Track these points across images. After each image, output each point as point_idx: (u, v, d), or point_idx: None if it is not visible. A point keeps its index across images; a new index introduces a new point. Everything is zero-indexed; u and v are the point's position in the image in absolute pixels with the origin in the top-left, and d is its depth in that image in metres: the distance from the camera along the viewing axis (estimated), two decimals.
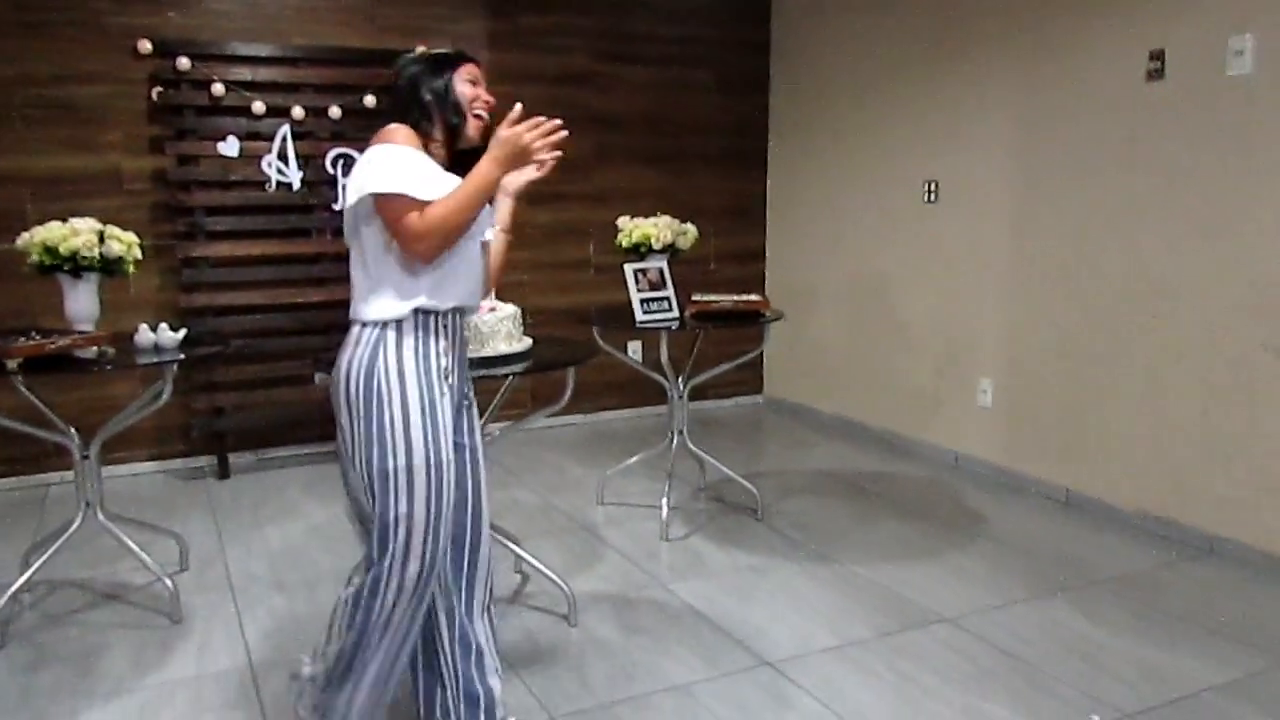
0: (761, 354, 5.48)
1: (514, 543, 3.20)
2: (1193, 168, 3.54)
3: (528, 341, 2.93)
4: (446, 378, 2.05)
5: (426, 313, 2.01)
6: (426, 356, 2.01)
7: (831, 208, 5.47)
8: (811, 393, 5.70)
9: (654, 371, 3.97)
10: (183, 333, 3.17)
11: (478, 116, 2.10)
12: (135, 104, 4.51)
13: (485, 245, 2.17)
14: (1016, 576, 3.34)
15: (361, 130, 4.82)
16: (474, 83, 2.10)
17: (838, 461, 4.87)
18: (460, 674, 2.20)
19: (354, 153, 4.79)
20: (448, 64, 2.10)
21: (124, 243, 3.03)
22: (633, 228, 3.96)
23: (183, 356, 3.04)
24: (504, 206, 2.23)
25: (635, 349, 5.47)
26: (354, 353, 1.99)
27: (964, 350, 4.64)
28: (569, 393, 3.02)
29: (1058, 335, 4.15)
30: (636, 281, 3.75)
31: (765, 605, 3.14)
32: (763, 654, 2.80)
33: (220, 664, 2.77)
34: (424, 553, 2.00)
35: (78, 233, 2.95)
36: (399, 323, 1.98)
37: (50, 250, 2.93)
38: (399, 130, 2.01)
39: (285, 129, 4.65)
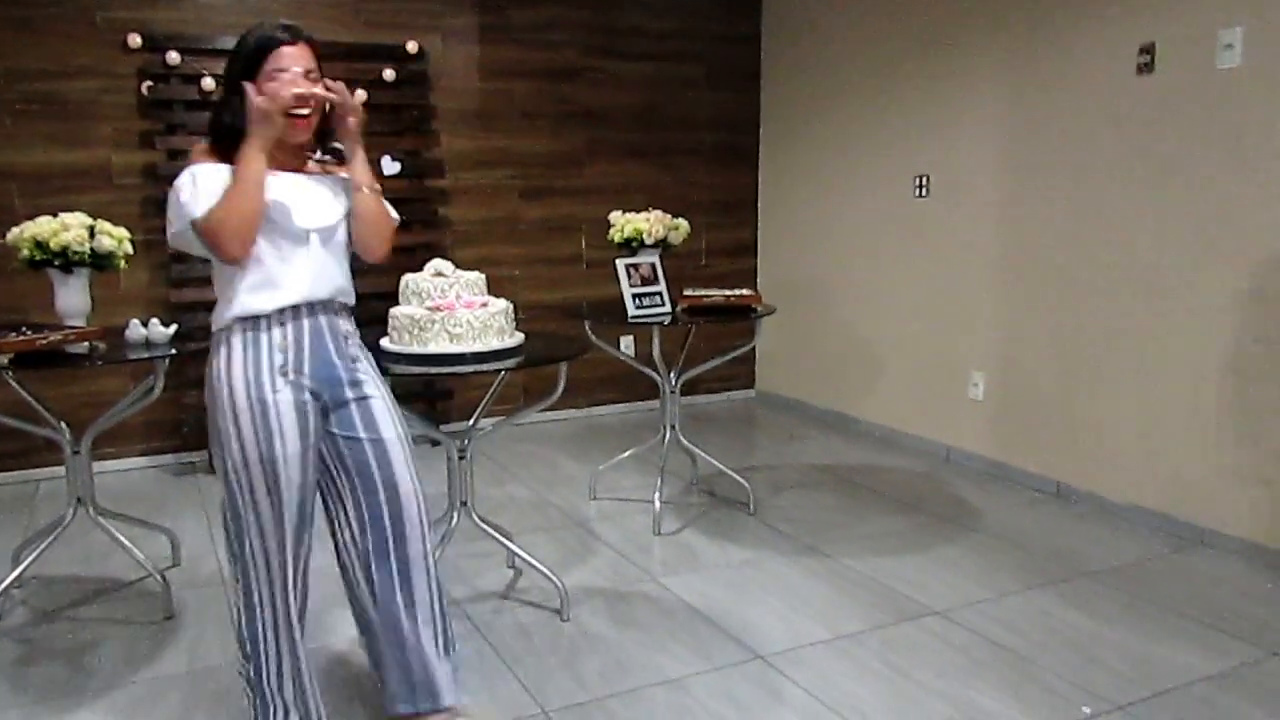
0: (753, 348, 5.49)
1: (506, 538, 3.20)
2: (1183, 161, 3.55)
3: (519, 337, 2.93)
4: (285, 373, 2.03)
5: (250, 317, 2.02)
6: (257, 356, 2.02)
7: (823, 202, 5.47)
8: (803, 387, 5.71)
9: (646, 366, 3.97)
10: (174, 328, 3.16)
11: (298, 116, 2.02)
12: (125, 98, 4.49)
13: (330, 231, 2.11)
14: (1008, 569, 3.36)
15: None
16: (282, 71, 1.99)
17: (830, 455, 4.88)
18: (397, 662, 2.21)
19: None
20: (254, 59, 1.99)
21: (115, 237, 3.02)
22: (624, 222, 3.96)
23: (174, 351, 3.03)
24: (357, 165, 2.17)
25: (627, 344, 5.46)
26: (207, 358, 2.08)
27: (955, 344, 4.65)
28: (561, 388, 3.02)
29: (1049, 328, 4.16)
30: (628, 276, 3.75)
31: (757, 599, 3.14)
32: (755, 648, 2.81)
33: (212, 660, 2.76)
34: (280, 544, 2.06)
35: (68, 227, 2.94)
36: (228, 330, 2.03)
37: (41, 245, 2.92)
38: (193, 152, 2.04)
39: None
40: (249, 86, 1.97)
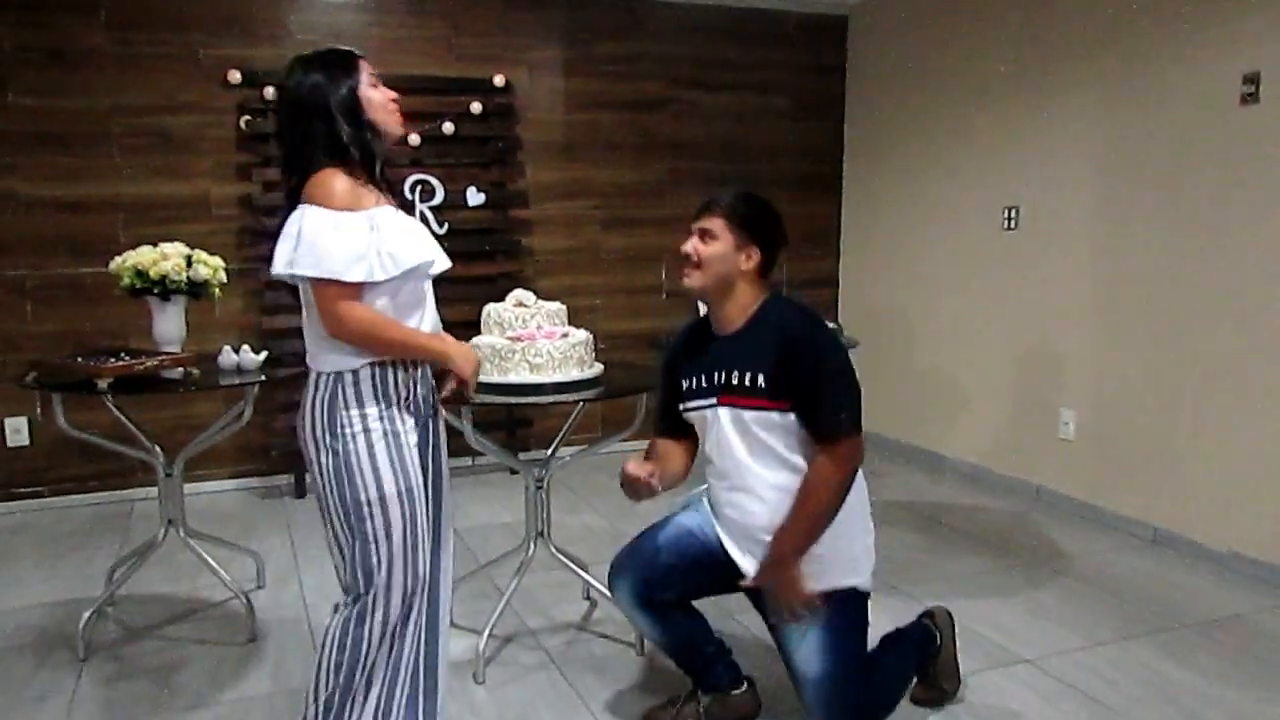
0: None
1: (582, 568, 3.19)
2: None
3: (599, 367, 2.93)
4: (408, 406, 2.02)
5: (381, 364, 1.98)
6: (385, 389, 1.98)
7: (907, 234, 5.39)
8: (885, 421, 5.59)
9: None
10: (264, 354, 3.24)
11: (396, 114, 2.05)
12: (224, 132, 4.66)
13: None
14: (1102, 617, 3.22)
15: (440, 156, 4.92)
16: (376, 83, 2.03)
17: (912, 493, 4.76)
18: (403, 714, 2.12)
19: (432, 179, 4.88)
20: (349, 69, 1.99)
21: (210, 266, 3.12)
22: None
23: (264, 378, 3.10)
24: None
25: None
26: (314, 395, 1.98)
27: (1045, 380, 4.51)
28: (640, 419, 3.01)
29: (1144, 365, 4.00)
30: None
31: None
32: None
33: (293, 682, 2.80)
34: (405, 580, 2.00)
35: (167, 256, 3.05)
36: (353, 370, 1.95)
37: (141, 273, 3.03)
38: (333, 180, 1.88)
39: None
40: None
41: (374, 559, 1.97)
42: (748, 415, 2.28)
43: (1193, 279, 3.77)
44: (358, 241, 1.87)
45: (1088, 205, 4.23)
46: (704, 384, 2.37)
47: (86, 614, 3.03)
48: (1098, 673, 2.82)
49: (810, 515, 2.23)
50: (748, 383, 2.28)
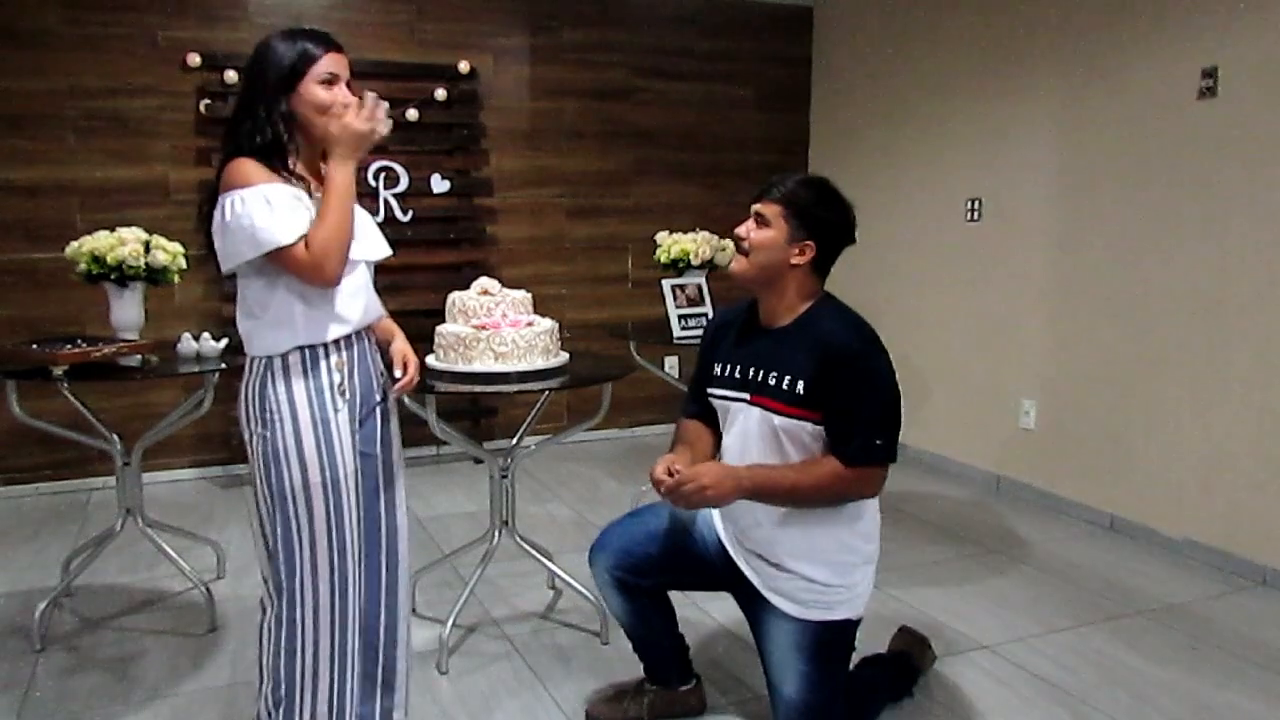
0: None
1: (547, 558, 3.18)
2: (1246, 188, 3.46)
3: (564, 356, 2.92)
4: (342, 392, 1.98)
5: (311, 346, 1.95)
6: (316, 373, 1.95)
7: (872, 225, 5.39)
8: None
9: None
10: (224, 342, 3.20)
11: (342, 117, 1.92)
12: (183, 116, 4.58)
13: (371, 265, 2.08)
14: (1059, 604, 3.27)
15: (404, 143, 4.87)
16: (331, 81, 1.91)
17: None
18: (355, 710, 2.11)
19: (396, 166, 4.84)
20: (298, 68, 1.88)
21: (169, 252, 3.07)
22: (671, 243, 3.95)
23: (224, 365, 3.06)
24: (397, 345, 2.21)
25: (672, 364, 5.45)
26: (247, 379, 1.97)
27: (1006, 371, 4.57)
28: (605, 407, 3.01)
29: (1103, 356, 4.07)
30: (674, 297, 3.74)
31: None
32: None
33: (253, 673, 2.75)
34: (332, 570, 1.97)
35: (124, 242, 2.99)
36: (282, 355, 1.93)
37: (98, 259, 2.98)
38: (244, 167, 1.86)
39: None
40: (370, 99, 1.92)
41: (296, 550, 1.95)
42: (778, 420, 2.14)
43: (1151, 271, 3.83)
44: (278, 203, 1.84)
45: (1049, 196, 4.28)
46: (737, 376, 2.24)
47: (42, 605, 2.98)
48: (1055, 658, 2.87)
49: (795, 491, 2.09)
50: (785, 387, 2.13)
